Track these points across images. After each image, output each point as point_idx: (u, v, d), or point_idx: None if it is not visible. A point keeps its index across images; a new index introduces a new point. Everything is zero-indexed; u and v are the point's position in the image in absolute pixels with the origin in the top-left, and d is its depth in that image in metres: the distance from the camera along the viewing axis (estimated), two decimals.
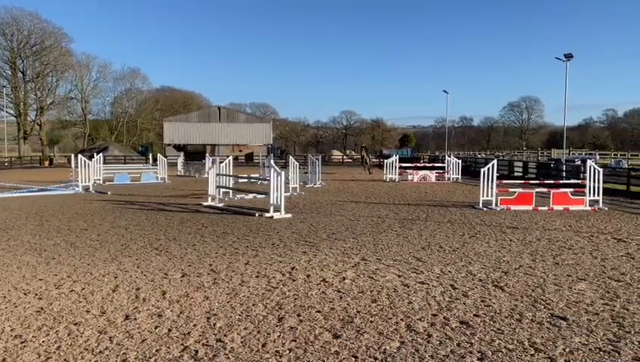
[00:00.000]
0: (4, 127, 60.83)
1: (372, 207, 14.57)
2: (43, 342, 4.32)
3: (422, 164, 33.30)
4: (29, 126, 66.19)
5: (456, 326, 4.70)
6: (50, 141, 68.97)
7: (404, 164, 28.16)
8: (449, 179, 26.15)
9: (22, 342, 4.30)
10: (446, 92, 56.96)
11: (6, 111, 62.83)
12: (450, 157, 27.96)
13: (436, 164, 31.09)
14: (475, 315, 5.01)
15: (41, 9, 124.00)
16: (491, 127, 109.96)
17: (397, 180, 25.45)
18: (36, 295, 5.71)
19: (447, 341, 4.34)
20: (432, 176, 26.06)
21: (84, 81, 75.02)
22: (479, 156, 52.95)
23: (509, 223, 11.27)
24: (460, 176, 26.37)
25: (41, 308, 5.22)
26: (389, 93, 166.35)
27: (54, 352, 4.10)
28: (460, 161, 27.41)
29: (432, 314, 5.04)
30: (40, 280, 6.37)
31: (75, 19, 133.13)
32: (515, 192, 14.16)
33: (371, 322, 4.81)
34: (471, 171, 30.53)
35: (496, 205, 13.82)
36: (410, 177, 25.74)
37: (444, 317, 4.94)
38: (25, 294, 5.74)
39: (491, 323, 4.79)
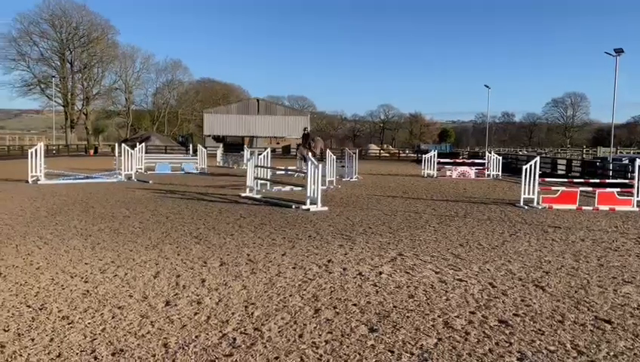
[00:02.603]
0: (52, 116, 63.16)
1: (409, 202, 14.45)
2: (89, 323, 4.48)
3: (461, 160, 32.74)
4: (76, 115, 68.42)
5: (495, 325, 4.62)
6: (95, 130, 71.31)
7: (442, 160, 27.78)
8: (489, 175, 25.66)
9: (69, 323, 4.47)
10: (487, 87, 55.82)
11: (55, 101, 65.19)
12: (490, 153, 27.40)
13: (476, 160, 30.50)
14: (514, 314, 4.92)
15: (89, 1, 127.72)
16: (534, 124, 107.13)
17: (435, 176, 25.14)
18: (82, 278, 5.92)
19: (486, 339, 4.28)
20: (471, 172, 25.62)
21: (128, 72, 77.05)
22: (520, 153, 51.65)
23: (551, 222, 10.98)
24: (500, 173, 25.83)
25: (87, 291, 5.41)
26: (428, 87, 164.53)
27: (99, 334, 4.25)
28: (500, 158, 26.83)
29: (470, 312, 4.97)
30: (86, 264, 6.60)
31: (120, 11, 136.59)
32: (558, 191, 13.78)
33: (408, 317, 4.78)
34: (512, 168, 29.87)
35: (537, 203, 13.48)
36: (448, 173, 25.38)
37: (483, 316, 4.87)
38: (72, 277, 5.96)
39: (531, 323, 4.69)
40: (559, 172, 27.49)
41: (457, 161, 31.01)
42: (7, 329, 4.31)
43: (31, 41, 64.11)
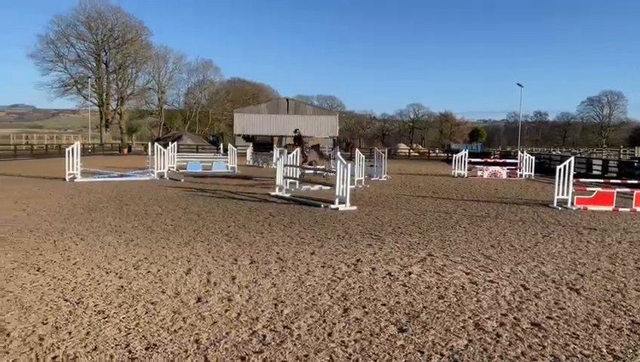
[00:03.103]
0: (88, 115, 64.86)
1: (439, 202, 14.30)
2: (123, 318, 4.60)
3: (492, 160, 32.20)
4: (111, 115, 70.07)
5: (528, 328, 4.54)
6: (128, 129, 72.87)
7: (473, 160, 27.39)
8: (521, 175, 25.18)
9: (104, 318, 4.60)
10: (520, 85, 54.76)
11: (90, 101, 66.98)
12: (522, 153, 26.87)
13: (508, 160, 29.96)
14: (547, 317, 4.82)
15: (123, 3, 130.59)
16: (568, 123, 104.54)
17: (466, 176, 24.81)
18: (117, 274, 6.07)
19: (518, 342, 4.21)
20: (503, 172, 25.19)
21: (161, 73, 78.46)
22: (554, 153, 50.48)
23: (586, 224, 10.70)
24: (532, 173, 25.32)
25: (122, 287, 5.55)
26: (459, 86, 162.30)
27: (133, 328, 4.35)
28: (533, 158, 26.29)
29: (502, 314, 4.89)
30: (120, 260, 6.76)
31: (154, 12, 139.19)
32: (594, 192, 13.41)
33: (438, 318, 4.75)
34: (545, 168, 29.26)
35: (572, 204, 13.16)
36: (479, 173, 25.02)
37: (515, 318, 4.79)
38: (107, 273, 6.12)
39: (565, 326, 4.59)
40: (594, 172, 26.76)
41: (489, 160, 30.53)
42: (45, 322, 4.46)
43: (68, 43, 66.00)
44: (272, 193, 15.17)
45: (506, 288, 5.79)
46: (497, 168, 25.67)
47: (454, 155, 26.91)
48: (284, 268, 6.48)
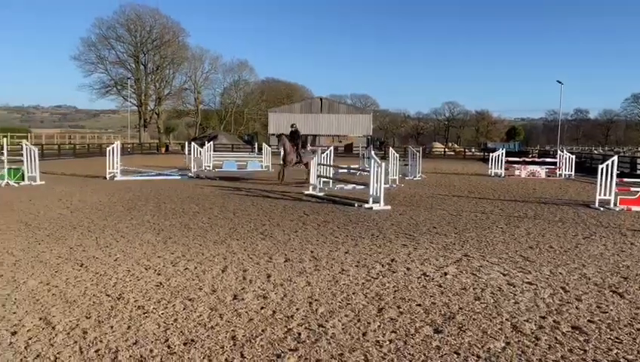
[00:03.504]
0: (128, 116, 66.55)
1: (475, 202, 14.07)
2: (162, 314, 4.71)
3: (530, 159, 31.46)
4: (149, 115, 71.69)
5: (568, 331, 4.43)
6: (166, 129, 74.50)
7: (510, 159, 26.83)
8: (561, 175, 24.52)
9: (144, 313, 4.72)
10: (560, 82, 53.33)
11: (129, 102, 68.73)
12: (562, 151, 26.15)
13: (547, 159, 29.21)
14: (589, 321, 4.69)
15: (160, 5, 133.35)
16: (611, 121, 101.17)
17: (503, 175, 24.33)
18: (155, 271, 6.22)
19: (558, 346, 4.11)
20: (541, 171, 24.59)
21: (197, 73, 79.80)
22: (595, 152, 48.93)
23: (630, 225, 10.34)
24: (573, 173, 24.62)
25: (160, 283, 5.69)
26: (495, 83, 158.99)
27: (172, 324, 4.45)
28: (573, 157, 25.56)
29: (541, 317, 4.79)
30: (158, 257, 6.93)
31: (189, 14, 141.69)
32: (638, 192, 12.95)
33: (474, 320, 4.68)
34: (586, 168, 28.42)
35: (614, 205, 12.74)
36: (517, 172, 24.49)
37: (554, 321, 4.68)
38: (146, 269, 6.28)
39: (608, 330, 4.45)
40: (639, 172, 25.81)
41: (526, 159, 29.83)
42: (89, 316, 4.61)
43: (109, 45, 67.88)
44: (306, 192, 15.23)
45: (544, 290, 5.66)
46: (536, 167, 25.07)
47: (491, 154, 26.42)
48: (318, 267, 6.51)
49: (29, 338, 4.10)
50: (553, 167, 25.50)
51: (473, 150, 68.93)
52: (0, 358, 3.73)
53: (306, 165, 17.92)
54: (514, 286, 5.78)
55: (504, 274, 6.31)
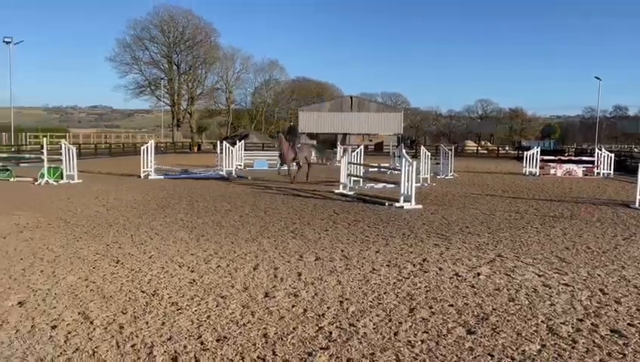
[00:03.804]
0: (161, 115, 67.82)
1: (509, 201, 13.81)
2: (195, 310, 4.78)
3: (566, 157, 30.66)
4: (182, 114, 72.86)
5: (606, 335, 4.30)
6: (198, 128, 75.58)
7: (546, 157, 26.21)
8: (599, 174, 23.83)
9: (178, 309, 4.81)
10: (598, 78, 51.86)
11: (163, 101, 70.01)
12: (600, 150, 25.40)
13: (584, 158, 28.42)
14: (629, 324, 4.54)
15: (193, 5, 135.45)
16: None
17: (537, 174, 23.80)
18: (189, 268, 6.33)
19: (596, 349, 4.00)
20: (578, 170, 23.97)
21: (229, 73, 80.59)
22: (636, 150, 47.33)
23: None
24: (611, 172, 23.90)
25: (193, 280, 5.78)
26: (530, 80, 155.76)
27: (205, 321, 4.52)
28: (612, 155, 24.79)
29: (578, 319, 4.66)
30: (192, 254, 7.04)
31: (221, 14, 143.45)
32: None
33: (508, 321, 4.59)
34: (625, 166, 27.48)
35: None
36: (552, 171, 23.95)
37: (592, 324, 4.55)
38: (179, 267, 6.39)
39: None
40: None
41: (562, 158, 29.09)
42: (125, 311, 4.72)
43: (143, 46, 69.22)
44: (336, 191, 15.23)
45: (582, 292, 5.51)
46: (572, 166, 24.46)
47: (525, 152, 25.86)
48: (349, 266, 6.50)
49: (69, 333, 4.22)
50: (591, 165, 24.81)
51: (507, 148, 67.62)
52: (40, 351, 3.86)
53: (299, 164, 18.59)
54: (550, 288, 5.65)
55: (539, 275, 6.17)
